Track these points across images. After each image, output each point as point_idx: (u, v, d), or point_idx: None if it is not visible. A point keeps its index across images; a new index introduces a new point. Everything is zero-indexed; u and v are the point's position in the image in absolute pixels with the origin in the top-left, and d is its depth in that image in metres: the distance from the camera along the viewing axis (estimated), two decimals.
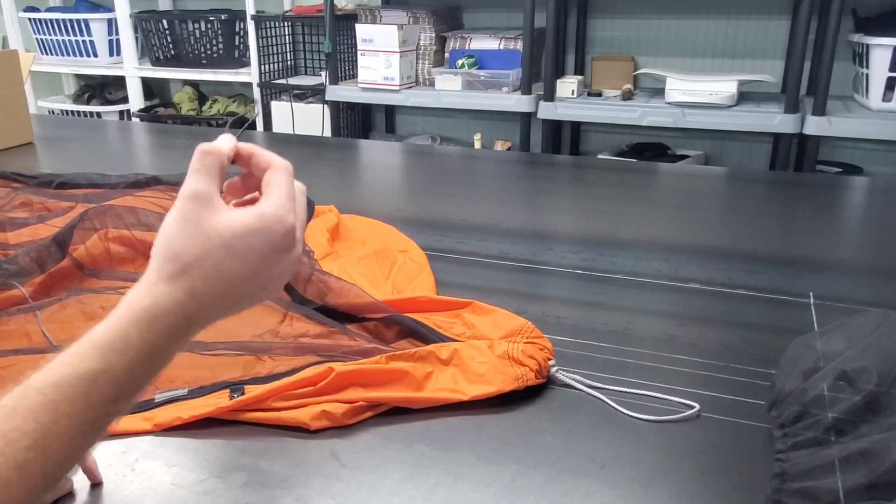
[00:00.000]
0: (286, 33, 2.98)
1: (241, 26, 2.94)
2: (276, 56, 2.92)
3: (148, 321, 0.40)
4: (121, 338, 0.39)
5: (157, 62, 3.06)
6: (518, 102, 2.34)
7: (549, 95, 2.31)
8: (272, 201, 0.44)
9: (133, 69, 3.08)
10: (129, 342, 0.39)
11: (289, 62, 3.03)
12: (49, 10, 3.24)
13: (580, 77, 2.42)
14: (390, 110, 3.03)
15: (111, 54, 3.15)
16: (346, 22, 2.71)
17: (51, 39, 3.16)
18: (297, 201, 0.46)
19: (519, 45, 2.41)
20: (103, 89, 3.31)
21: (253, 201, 0.47)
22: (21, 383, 0.37)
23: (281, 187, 0.45)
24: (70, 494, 0.51)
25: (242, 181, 0.49)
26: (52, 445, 0.36)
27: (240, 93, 3.18)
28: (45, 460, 0.36)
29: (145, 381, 0.41)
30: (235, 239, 0.43)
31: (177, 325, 0.41)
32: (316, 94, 2.81)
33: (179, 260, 0.42)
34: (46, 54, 3.21)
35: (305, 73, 3.08)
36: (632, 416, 0.61)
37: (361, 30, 2.48)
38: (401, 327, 0.71)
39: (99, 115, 3.21)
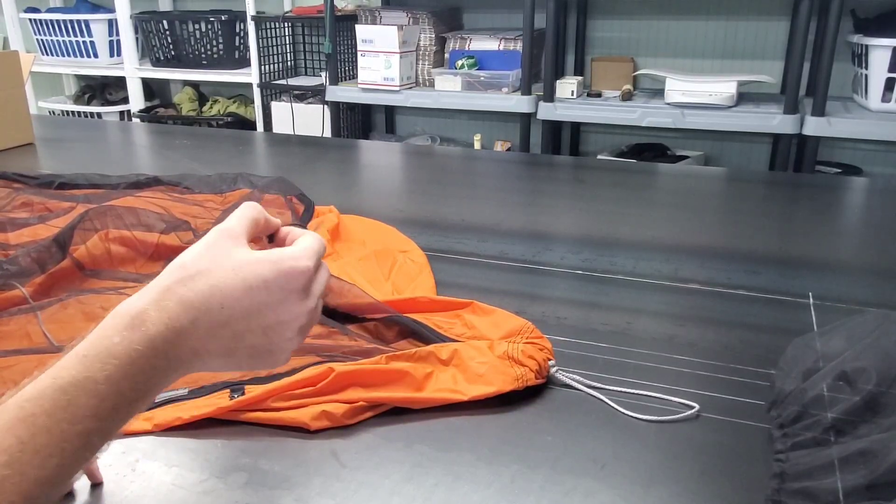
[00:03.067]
0: (286, 34, 2.98)
1: (242, 27, 2.95)
2: (276, 57, 2.92)
3: (134, 327, 0.38)
4: (104, 345, 0.37)
5: (157, 63, 3.07)
6: (518, 103, 2.35)
7: (549, 96, 2.31)
8: (294, 247, 0.45)
9: (133, 70, 3.08)
10: (112, 350, 0.37)
11: (289, 63, 3.03)
12: (49, 10, 3.24)
13: (580, 78, 2.42)
14: (390, 111, 3.03)
15: (112, 55, 3.15)
16: (346, 22, 2.71)
17: (51, 40, 3.16)
18: (319, 271, 0.47)
19: (519, 46, 2.41)
20: (104, 90, 3.31)
21: None
22: (7, 397, 0.35)
23: (307, 241, 0.46)
24: (70, 494, 0.51)
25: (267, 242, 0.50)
26: (30, 462, 0.33)
27: (240, 93, 3.18)
28: (21, 477, 0.33)
29: (131, 396, 0.38)
30: (248, 264, 0.42)
31: (166, 339, 0.39)
32: (316, 94, 2.81)
33: (183, 270, 0.41)
34: (47, 55, 3.21)
35: (305, 74, 3.08)
36: (632, 416, 0.61)
37: (361, 30, 2.48)
38: (401, 327, 0.71)
39: (99, 115, 3.21)
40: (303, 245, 0.46)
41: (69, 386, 0.35)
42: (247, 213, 0.46)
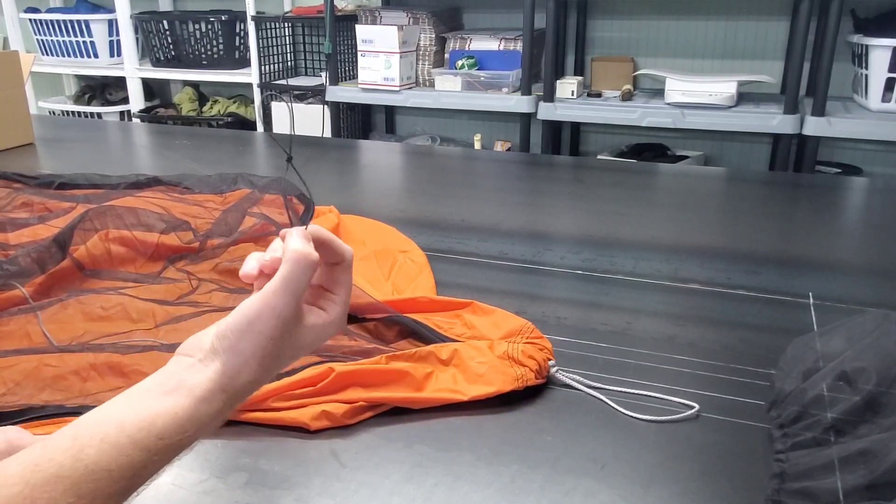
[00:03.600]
0: (286, 34, 2.98)
1: (242, 27, 2.94)
2: (276, 57, 2.92)
3: (204, 423, 0.40)
4: (179, 431, 0.39)
5: (157, 63, 3.06)
6: (518, 103, 2.35)
7: (549, 96, 2.31)
8: (338, 310, 0.46)
9: (133, 70, 3.08)
10: (185, 437, 0.40)
11: (289, 63, 3.03)
12: (50, 10, 3.24)
13: (580, 78, 2.42)
14: (390, 111, 3.03)
15: (112, 55, 3.15)
16: (346, 23, 2.71)
17: (51, 40, 3.16)
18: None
19: (519, 46, 2.41)
20: (104, 90, 3.31)
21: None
22: (67, 451, 0.36)
23: (348, 292, 0.47)
24: None
25: None
26: None
27: (240, 93, 3.18)
28: None
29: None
30: (301, 349, 0.44)
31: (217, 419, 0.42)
32: (316, 94, 2.81)
33: (252, 380, 0.42)
34: (47, 55, 3.21)
35: (305, 74, 3.08)
36: (632, 416, 0.61)
37: (361, 30, 2.48)
38: (401, 327, 0.71)
39: (99, 115, 3.21)
40: (343, 301, 0.46)
41: (139, 464, 0.38)
42: (306, 279, 0.42)
